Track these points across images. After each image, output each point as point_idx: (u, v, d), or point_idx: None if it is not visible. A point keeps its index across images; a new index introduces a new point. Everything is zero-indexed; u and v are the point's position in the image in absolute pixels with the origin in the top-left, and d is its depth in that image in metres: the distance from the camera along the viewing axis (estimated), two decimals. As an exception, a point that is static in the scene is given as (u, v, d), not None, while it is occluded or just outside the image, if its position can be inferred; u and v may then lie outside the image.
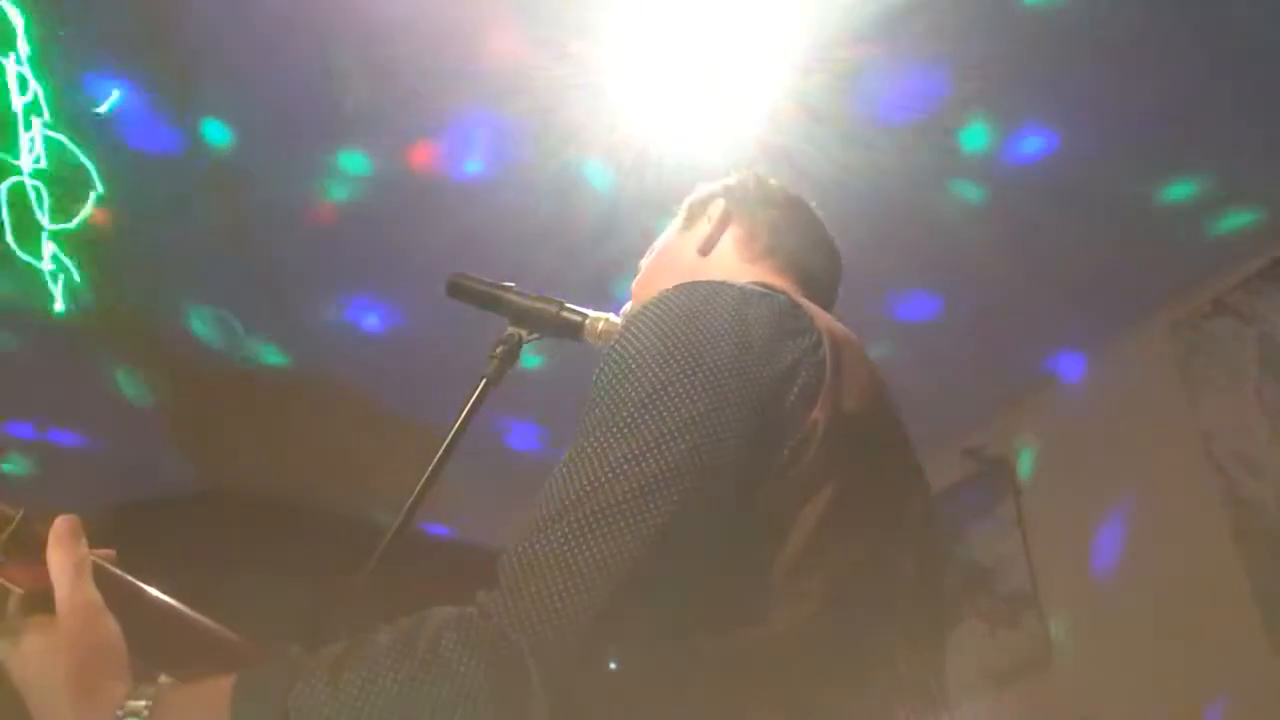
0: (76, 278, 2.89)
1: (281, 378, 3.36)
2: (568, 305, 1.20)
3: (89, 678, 0.68)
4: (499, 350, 1.16)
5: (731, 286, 0.82)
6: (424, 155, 2.50)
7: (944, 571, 0.93)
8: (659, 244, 1.20)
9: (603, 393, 0.73)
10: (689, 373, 0.72)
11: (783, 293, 0.85)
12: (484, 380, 1.14)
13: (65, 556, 0.71)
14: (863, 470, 0.79)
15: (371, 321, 3.14)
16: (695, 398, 0.71)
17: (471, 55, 2.24)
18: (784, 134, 2.35)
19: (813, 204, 1.19)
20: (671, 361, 0.73)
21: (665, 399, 0.71)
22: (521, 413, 3.35)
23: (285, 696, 0.63)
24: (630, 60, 2.23)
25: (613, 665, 0.64)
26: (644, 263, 1.20)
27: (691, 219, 1.16)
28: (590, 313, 1.18)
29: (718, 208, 1.13)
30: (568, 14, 2.14)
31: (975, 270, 2.74)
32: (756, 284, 0.85)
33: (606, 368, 0.75)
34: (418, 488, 1.07)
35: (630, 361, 0.74)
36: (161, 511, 3.66)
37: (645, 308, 0.79)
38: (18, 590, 0.73)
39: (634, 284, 1.18)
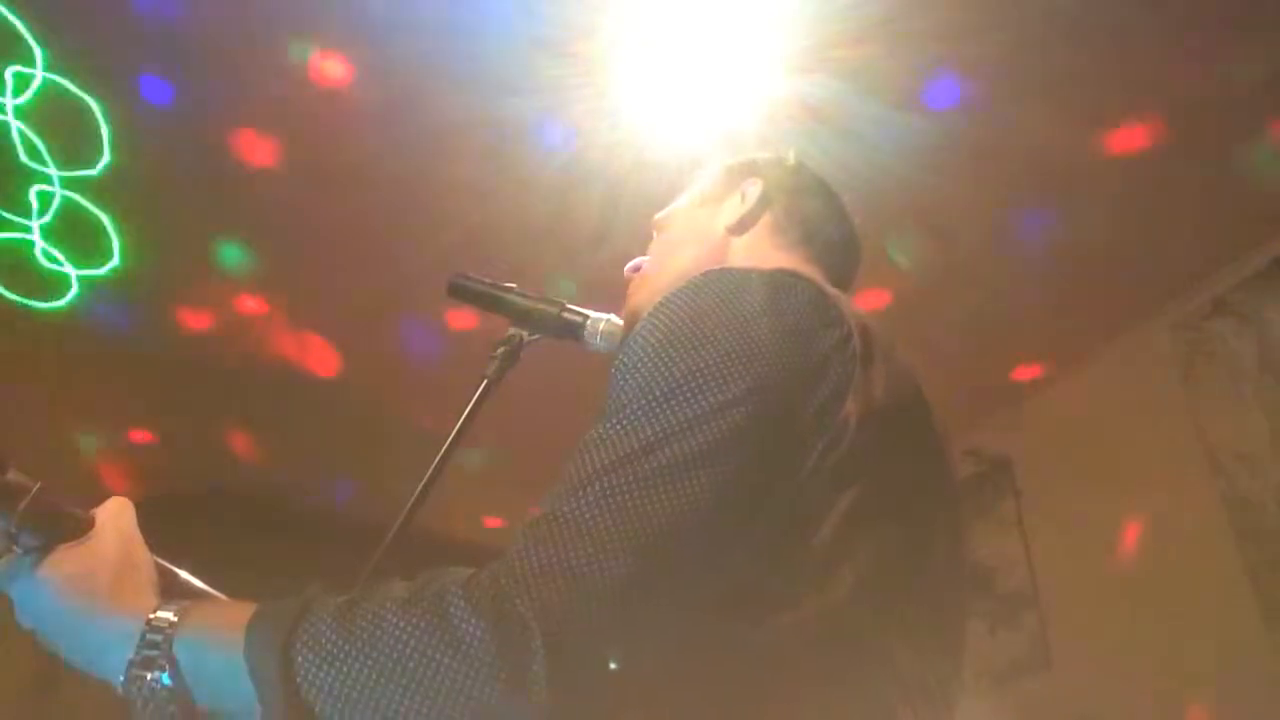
0: (76, 276, 2.90)
1: (281, 378, 3.36)
2: (569, 306, 1.19)
3: (125, 586, 0.72)
4: (500, 351, 1.16)
5: (760, 274, 0.80)
6: (424, 155, 2.50)
7: (966, 565, 0.92)
8: (683, 208, 1.17)
9: (635, 370, 0.72)
10: (726, 357, 0.71)
11: (810, 281, 0.83)
12: (485, 381, 1.14)
13: (111, 501, 0.78)
14: (894, 463, 0.79)
15: (372, 322, 3.14)
16: (732, 382, 0.70)
17: (471, 55, 2.24)
18: (784, 134, 2.35)
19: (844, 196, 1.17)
20: (708, 345, 0.72)
21: (702, 381, 0.70)
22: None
23: (295, 626, 0.64)
24: (630, 60, 2.23)
25: (628, 640, 0.63)
26: (660, 217, 1.19)
27: (722, 191, 1.14)
28: (591, 314, 1.18)
29: (755, 188, 1.10)
30: (568, 14, 2.14)
31: (975, 270, 2.74)
32: (784, 271, 0.84)
33: (638, 346, 0.74)
34: (418, 488, 1.07)
35: (665, 343, 0.73)
36: (161, 511, 3.66)
37: (676, 293, 0.78)
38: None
39: (654, 244, 1.17)
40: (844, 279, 1.11)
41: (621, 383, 0.72)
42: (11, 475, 0.72)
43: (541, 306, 1.19)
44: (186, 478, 3.86)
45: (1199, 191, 2.50)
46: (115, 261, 2.84)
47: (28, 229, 2.69)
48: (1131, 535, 2.79)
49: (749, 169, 1.15)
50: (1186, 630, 2.55)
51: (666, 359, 0.71)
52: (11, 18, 2.19)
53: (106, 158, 2.51)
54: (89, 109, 2.40)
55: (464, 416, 1.11)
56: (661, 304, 0.77)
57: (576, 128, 2.39)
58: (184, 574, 0.79)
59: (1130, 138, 2.36)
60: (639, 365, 0.72)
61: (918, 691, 0.75)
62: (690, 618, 0.67)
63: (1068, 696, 2.83)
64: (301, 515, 4.02)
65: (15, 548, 0.73)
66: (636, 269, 1.16)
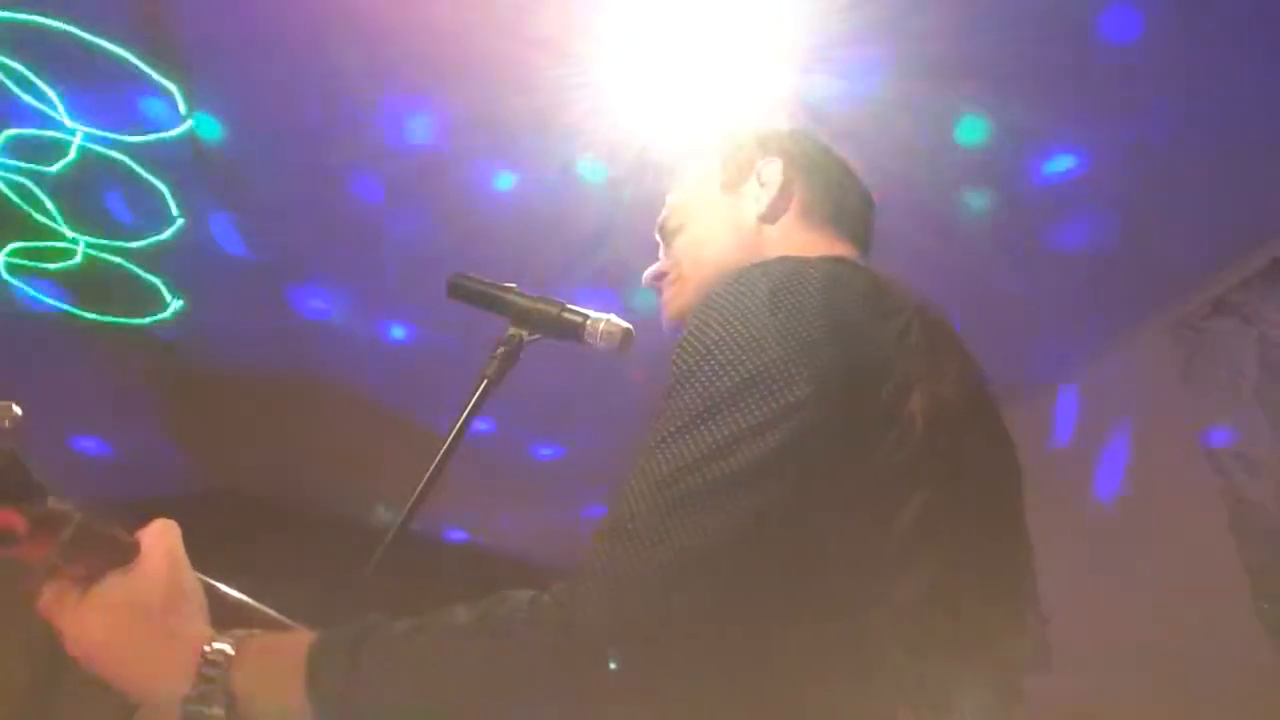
0: (79, 277, 2.90)
1: (282, 379, 3.36)
2: (569, 306, 1.19)
3: (176, 614, 0.71)
4: (500, 351, 1.16)
5: (810, 265, 0.77)
6: (424, 156, 2.50)
7: (1028, 559, 0.88)
8: (698, 201, 1.12)
9: (693, 376, 0.70)
10: (785, 359, 0.69)
11: (864, 269, 0.80)
12: (484, 381, 1.14)
13: (155, 524, 0.76)
14: (962, 458, 0.76)
15: (373, 323, 3.14)
16: (794, 385, 0.68)
17: (472, 55, 2.24)
18: (784, 134, 2.35)
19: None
20: (766, 347, 0.70)
21: (763, 385, 0.68)
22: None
23: (357, 656, 0.64)
24: (630, 60, 2.23)
25: (699, 649, 0.62)
26: (668, 216, 1.14)
27: (736, 178, 1.10)
28: (591, 314, 1.17)
29: (775, 170, 1.07)
30: (568, 14, 2.13)
31: (976, 271, 2.74)
32: (829, 258, 0.81)
33: (694, 349, 0.72)
34: (418, 488, 1.07)
35: (721, 345, 0.70)
36: (162, 512, 3.66)
37: (725, 290, 0.75)
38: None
39: (679, 243, 1.11)
40: (869, 244, 1.10)
41: (679, 388, 0.70)
42: (52, 503, 0.70)
43: (541, 306, 1.19)
44: (185, 478, 3.86)
45: (1199, 191, 2.50)
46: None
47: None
48: (1131, 535, 2.79)
49: (758, 148, 1.12)
50: (1186, 630, 2.55)
51: (725, 363, 0.69)
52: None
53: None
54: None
55: (464, 416, 1.10)
56: (711, 303, 0.75)
57: (577, 128, 2.39)
58: (227, 589, 0.78)
59: (1130, 137, 2.36)
60: (697, 370, 0.70)
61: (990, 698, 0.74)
62: (755, 624, 0.65)
63: (1068, 696, 2.83)
64: (301, 515, 4.02)
65: (61, 578, 0.71)
66: (660, 275, 1.12)
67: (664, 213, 1.17)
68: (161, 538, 0.75)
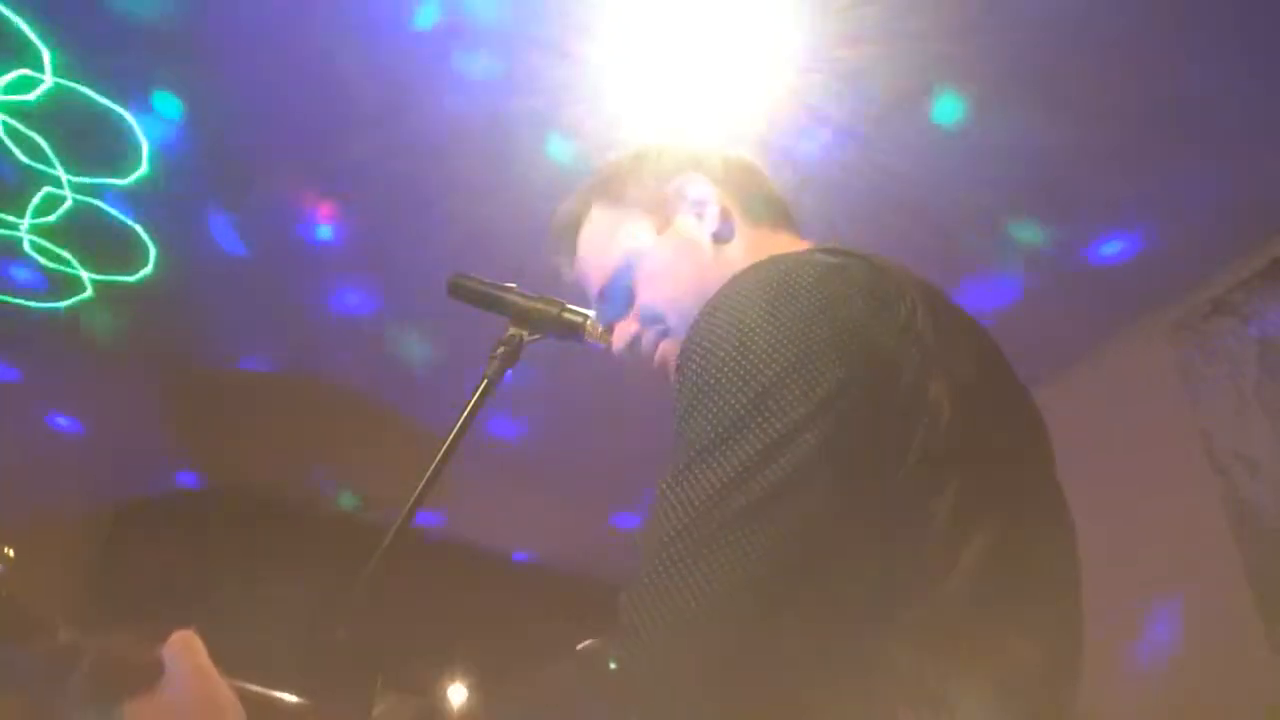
0: (77, 273, 2.90)
1: (281, 378, 3.36)
2: (569, 306, 1.19)
3: None
4: (500, 351, 1.16)
5: (803, 263, 0.74)
6: (424, 155, 2.50)
7: (1071, 542, 0.84)
8: (635, 256, 1.03)
9: (696, 410, 0.67)
10: (786, 376, 0.66)
11: (857, 257, 0.77)
12: (485, 380, 1.14)
13: (176, 637, 0.71)
14: (992, 440, 0.74)
15: (373, 322, 3.14)
16: (800, 401, 0.65)
17: (471, 55, 2.24)
18: (784, 134, 2.35)
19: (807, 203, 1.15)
20: (766, 365, 0.66)
21: (767, 408, 0.65)
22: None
23: None
24: (630, 60, 2.23)
25: (755, 680, 0.62)
26: (617, 285, 1.06)
27: (665, 213, 1.03)
28: (591, 313, 1.18)
29: (700, 185, 1.01)
30: (568, 14, 2.14)
31: (976, 270, 2.74)
32: (820, 250, 0.78)
33: (693, 374, 0.69)
34: (419, 488, 1.07)
35: (719, 367, 0.67)
36: (162, 510, 3.66)
37: (718, 306, 0.72)
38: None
39: (648, 303, 1.02)
40: (797, 221, 1.06)
41: (684, 424, 0.68)
42: (63, 636, 0.67)
43: (541, 306, 1.19)
44: (184, 477, 3.85)
45: (1198, 190, 2.50)
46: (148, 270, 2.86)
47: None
48: (1130, 535, 2.79)
49: (664, 173, 1.05)
50: (1186, 630, 2.55)
51: (729, 388, 0.66)
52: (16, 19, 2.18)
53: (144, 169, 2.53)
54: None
55: (464, 416, 1.11)
56: (711, 322, 0.71)
57: (576, 128, 2.39)
58: (248, 686, 0.76)
59: (1130, 137, 2.36)
60: (701, 400, 0.67)
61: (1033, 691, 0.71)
62: (803, 643, 0.64)
63: (1068, 697, 2.82)
64: (300, 515, 4.02)
65: (87, 715, 0.69)
66: (637, 339, 1.04)
67: (600, 281, 1.08)
68: (186, 652, 0.71)
